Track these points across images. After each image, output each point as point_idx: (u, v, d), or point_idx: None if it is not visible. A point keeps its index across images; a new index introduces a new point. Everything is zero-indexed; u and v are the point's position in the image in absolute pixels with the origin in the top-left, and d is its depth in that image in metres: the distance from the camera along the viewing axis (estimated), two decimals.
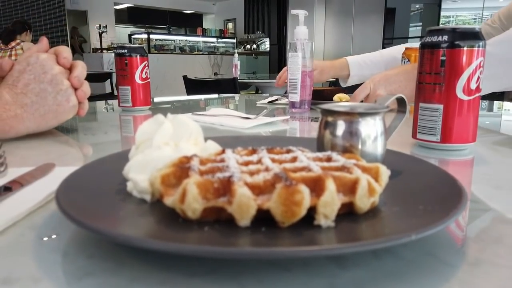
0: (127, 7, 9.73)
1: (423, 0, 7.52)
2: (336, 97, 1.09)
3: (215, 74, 6.29)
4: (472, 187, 0.41)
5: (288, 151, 0.34)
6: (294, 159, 0.32)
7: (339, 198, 0.27)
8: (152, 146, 0.34)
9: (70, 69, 0.68)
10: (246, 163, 0.31)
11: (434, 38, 0.53)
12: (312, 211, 0.26)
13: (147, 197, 0.30)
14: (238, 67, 3.55)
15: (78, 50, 8.28)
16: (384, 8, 5.61)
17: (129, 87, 1.00)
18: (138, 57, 0.99)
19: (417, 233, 0.23)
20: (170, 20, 10.34)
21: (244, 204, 0.24)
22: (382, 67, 1.28)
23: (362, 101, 0.96)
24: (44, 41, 0.70)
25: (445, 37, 0.52)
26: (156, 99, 1.43)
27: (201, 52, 9.45)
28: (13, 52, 4.18)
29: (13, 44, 4.19)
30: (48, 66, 0.64)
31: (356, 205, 0.27)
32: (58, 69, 0.65)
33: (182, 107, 1.30)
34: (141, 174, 0.31)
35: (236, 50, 5.48)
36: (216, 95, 1.92)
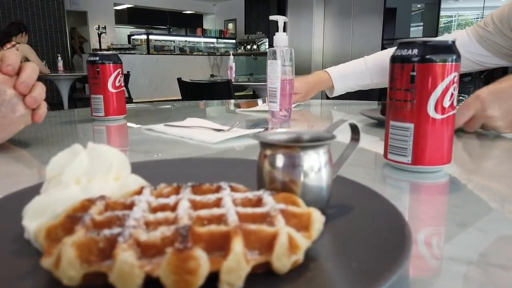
0: (127, 7, 9.72)
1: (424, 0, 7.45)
2: None
3: (212, 76, 6.25)
4: (432, 223, 0.37)
5: (217, 189, 0.30)
6: (217, 203, 0.28)
7: (253, 257, 0.23)
8: (61, 183, 0.30)
9: (18, 74, 0.63)
10: (158, 209, 0.27)
11: (404, 52, 0.49)
12: (217, 274, 0.22)
13: (41, 248, 0.26)
14: (234, 69, 3.50)
15: (78, 51, 8.26)
16: (383, 9, 5.55)
17: (102, 96, 0.95)
18: (111, 64, 0.95)
19: None
20: (170, 21, 10.31)
21: (125, 273, 0.20)
22: (367, 77, 1.22)
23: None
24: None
25: (416, 51, 0.48)
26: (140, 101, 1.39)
27: (201, 53, 9.43)
28: None
29: (8, 46, 4.17)
30: None
31: (273, 265, 0.23)
32: None
33: (167, 112, 1.26)
34: (38, 220, 0.27)
35: (231, 52, 5.43)
36: (200, 101, 1.88)
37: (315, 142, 0.31)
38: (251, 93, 4.93)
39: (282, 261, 0.23)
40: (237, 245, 0.21)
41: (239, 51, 9.42)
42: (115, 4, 9.35)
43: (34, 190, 0.35)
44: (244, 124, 0.87)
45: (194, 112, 1.31)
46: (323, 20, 6.00)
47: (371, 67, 1.21)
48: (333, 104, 1.49)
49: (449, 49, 0.48)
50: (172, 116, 1.20)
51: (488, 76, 5.87)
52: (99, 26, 7.87)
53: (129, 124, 0.97)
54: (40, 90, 0.65)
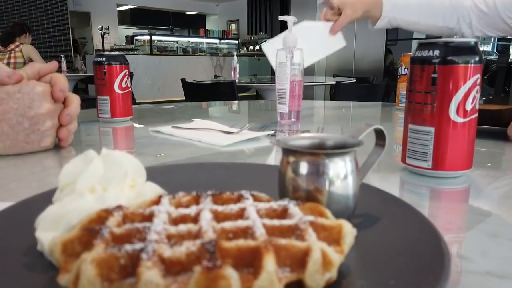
0: (130, 8, 9.73)
1: None
2: None
3: (215, 76, 6.24)
4: (460, 234, 0.35)
5: (239, 198, 0.29)
6: (240, 213, 0.26)
7: (284, 275, 0.21)
8: (75, 191, 0.28)
9: (65, 102, 0.65)
10: (179, 220, 0.25)
11: (425, 53, 0.47)
12: None
13: (56, 263, 0.25)
14: (237, 70, 3.48)
15: None
16: None
17: (108, 97, 0.94)
18: (118, 65, 0.94)
19: None
20: (173, 21, 10.32)
21: None
22: (415, 12, 1.07)
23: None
24: (53, 65, 0.67)
25: (437, 52, 0.46)
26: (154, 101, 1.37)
27: (203, 54, 9.42)
28: (12, 55, 4.15)
29: (12, 46, 4.17)
30: (37, 102, 0.60)
31: (306, 284, 0.21)
32: (46, 109, 0.61)
33: (173, 114, 1.25)
34: (52, 232, 0.26)
35: (235, 53, 5.42)
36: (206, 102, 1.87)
37: (341, 148, 0.30)
38: (255, 94, 4.92)
39: (315, 279, 0.21)
40: (269, 263, 0.20)
41: (242, 51, 9.41)
42: (118, 5, 9.36)
43: (44, 198, 0.33)
44: (254, 126, 0.85)
45: (199, 114, 1.30)
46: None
47: (420, 2, 1.07)
48: (336, 105, 1.47)
49: (472, 50, 0.46)
50: (178, 117, 1.19)
51: (492, 77, 5.84)
52: (102, 26, 7.87)
53: (135, 125, 0.96)
54: (75, 124, 0.68)
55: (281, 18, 0.92)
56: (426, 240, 0.26)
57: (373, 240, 0.27)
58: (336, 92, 2.89)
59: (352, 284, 0.23)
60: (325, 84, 4.17)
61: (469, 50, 0.46)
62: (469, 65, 0.46)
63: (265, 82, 3.62)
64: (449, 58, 0.46)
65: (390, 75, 5.41)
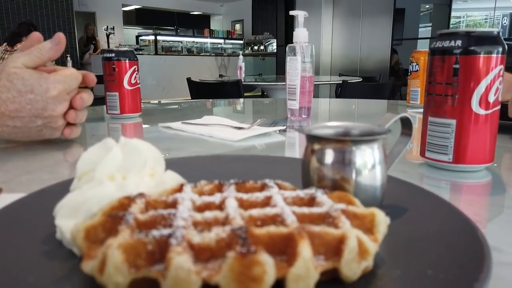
0: (135, 8, 9.74)
1: (433, 0, 7.39)
2: None
3: (220, 76, 6.24)
4: (488, 225, 0.34)
5: (263, 187, 0.28)
6: (266, 201, 0.25)
7: (319, 263, 0.20)
8: (94, 179, 0.27)
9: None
10: (204, 208, 0.24)
11: (446, 43, 0.46)
12: (281, 282, 0.19)
13: (76, 251, 0.24)
14: (243, 69, 3.47)
15: None
16: (393, 9, 5.49)
17: (117, 93, 0.93)
18: (127, 61, 0.93)
19: None
20: (178, 22, 10.32)
21: (181, 280, 0.18)
22: None
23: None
24: (60, 40, 0.67)
25: (459, 42, 0.45)
26: (163, 101, 1.37)
27: (208, 54, 9.42)
28: None
29: (18, 46, 4.18)
30: (51, 106, 0.59)
31: (342, 272, 0.20)
32: (60, 111, 0.61)
33: (181, 111, 1.24)
34: (71, 219, 0.25)
35: (240, 52, 5.41)
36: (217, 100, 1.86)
37: (368, 136, 0.29)
38: (260, 93, 4.92)
39: (351, 267, 0.20)
40: (305, 249, 0.19)
41: (246, 51, 9.41)
42: (123, 5, 9.38)
43: (59, 187, 0.33)
44: (264, 122, 0.84)
45: (206, 111, 1.29)
46: (331, 20, 5.96)
47: None
48: (344, 103, 1.46)
49: (495, 40, 0.45)
50: (186, 114, 1.18)
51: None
52: (107, 26, 7.89)
53: (144, 122, 0.95)
54: (85, 114, 0.67)
55: (292, 13, 0.91)
56: (460, 230, 0.25)
57: (405, 230, 0.26)
58: (343, 91, 2.87)
59: (388, 273, 0.22)
60: (330, 83, 4.16)
61: (492, 40, 0.45)
62: (492, 55, 0.44)
63: (270, 81, 3.61)
64: (472, 48, 0.45)
65: (395, 75, 5.38)
